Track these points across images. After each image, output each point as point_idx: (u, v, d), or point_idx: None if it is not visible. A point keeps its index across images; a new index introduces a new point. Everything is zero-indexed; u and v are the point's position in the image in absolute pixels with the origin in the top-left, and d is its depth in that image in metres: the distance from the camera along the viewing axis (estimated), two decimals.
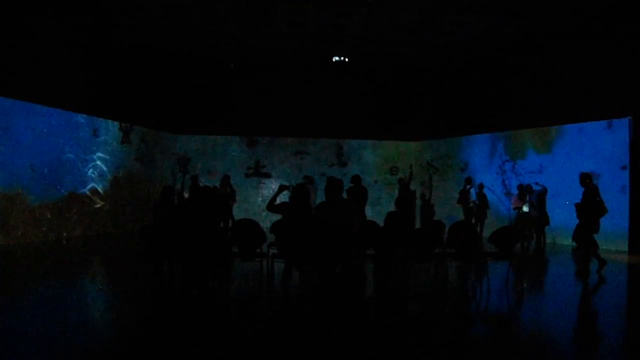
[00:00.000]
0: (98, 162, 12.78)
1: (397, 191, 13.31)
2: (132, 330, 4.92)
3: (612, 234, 11.17)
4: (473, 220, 11.96)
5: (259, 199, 15.95)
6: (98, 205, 12.74)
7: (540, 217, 11.26)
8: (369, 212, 12.88)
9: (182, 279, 6.44)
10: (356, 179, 10.13)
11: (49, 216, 11.15)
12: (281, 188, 5.93)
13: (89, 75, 12.33)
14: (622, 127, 11.20)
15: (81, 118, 12.22)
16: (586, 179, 7.86)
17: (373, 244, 6.66)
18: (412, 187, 13.50)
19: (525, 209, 11.09)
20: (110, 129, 13.30)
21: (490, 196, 13.12)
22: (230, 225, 10.36)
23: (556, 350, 4.52)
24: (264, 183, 16.44)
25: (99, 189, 12.80)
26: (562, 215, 11.49)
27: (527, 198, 11.24)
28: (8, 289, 6.51)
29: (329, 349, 4.31)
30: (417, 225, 11.20)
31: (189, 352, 4.10)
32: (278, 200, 5.88)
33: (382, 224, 6.74)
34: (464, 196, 12.64)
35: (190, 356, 4.04)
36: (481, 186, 12.62)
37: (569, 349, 4.58)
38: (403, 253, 6.55)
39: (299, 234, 5.67)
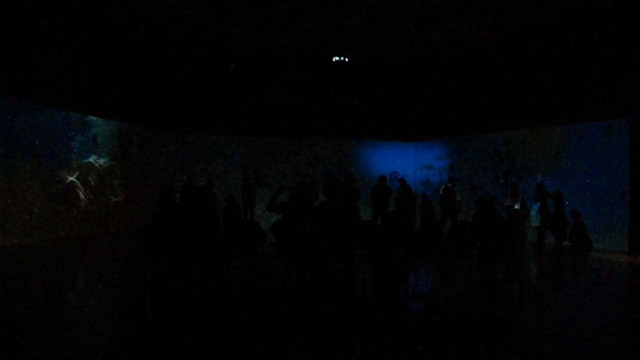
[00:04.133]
0: (97, 163, 12.80)
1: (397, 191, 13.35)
2: (132, 329, 4.93)
3: (612, 234, 11.21)
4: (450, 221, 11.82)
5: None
6: (97, 206, 12.77)
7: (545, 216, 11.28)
8: (368, 213, 12.95)
9: (182, 279, 6.45)
10: (350, 180, 10.18)
11: (48, 216, 11.17)
12: (281, 188, 5.93)
13: (89, 76, 12.35)
14: (621, 128, 11.19)
15: (80, 119, 12.24)
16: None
17: (372, 244, 6.66)
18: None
19: (517, 206, 11.06)
20: (109, 130, 13.32)
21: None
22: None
23: (554, 351, 4.53)
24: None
25: (99, 190, 12.83)
26: None
27: (520, 196, 11.22)
28: (14, 290, 6.52)
29: (328, 347, 4.32)
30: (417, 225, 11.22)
31: (189, 350, 4.11)
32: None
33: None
34: (448, 195, 12.52)
35: (190, 353, 4.05)
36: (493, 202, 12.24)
37: (567, 350, 4.58)
38: (403, 253, 6.55)
39: (298, 233, 5.67)
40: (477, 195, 11.68)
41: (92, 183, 12.58)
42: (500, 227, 6.90)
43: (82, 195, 12.22)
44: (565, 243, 11.30)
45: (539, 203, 11.27)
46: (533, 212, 11.37)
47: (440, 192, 12.79)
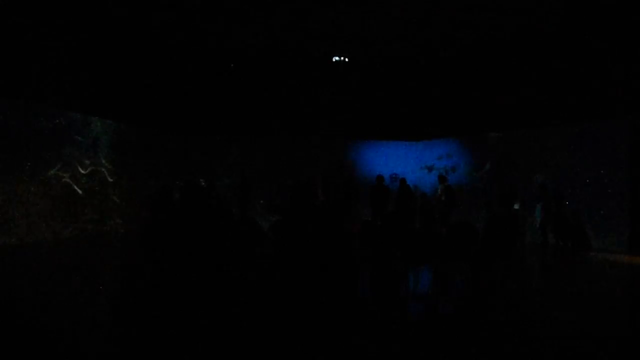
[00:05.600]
0: (97, 163, 12.82)
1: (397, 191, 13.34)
2: (131, 328, 4.94)
3: (612, 234, 11.21)
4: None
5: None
6: (97, 206, 12.78)
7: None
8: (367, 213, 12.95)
9: (181, 279, 6.45)
10: (349, 180, 10.16)
11: (47, 216, 11.18)
12: (281, 190, 5.94)
13: (89, 76, 12.36)
14: (621, 128, 11.19)
15: (80, 119, 12.26)
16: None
17: (372, 244, 6.66)
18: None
19: (517, 206, 11.05)
20: (109, 130, 13.33)
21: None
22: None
23: (554, 351, 4.53)
24: None
25: (99, 190, 12.84)
26: None
27: (520, 197, 11.20)
28: (18, 290, 6.53)
29: (326, 347, 4.33)
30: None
31: (189, 349, 4.12)
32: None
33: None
34: (448, 195, 12.52)
35: (189, 352, 4.06)
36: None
37: (567, 350, 4.59)
38: (402, 253, 6.56)
39: (298, 233, 5.67)
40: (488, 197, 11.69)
41: (92, 183, 12.59)
42: (515, 229, 6.90)
43: (81, 196, 12.23)
44: (564, 243, 11.30)
45: (541, 203, 11.25)
46: (537, 213, 11.34)
47: (439, 194, 12.76)
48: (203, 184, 12.89)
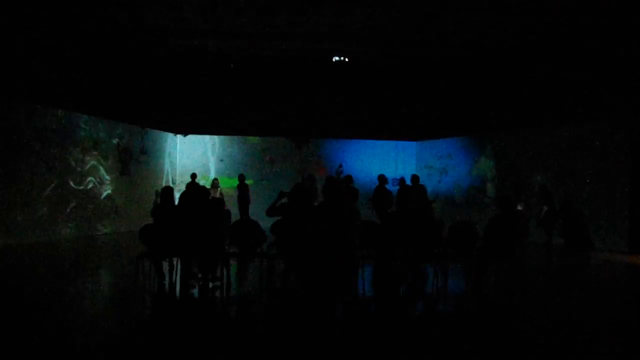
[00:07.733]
0: (97, 163, 12.81)
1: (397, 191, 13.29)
2: (131, 330, 4.93)
3: (612, 234, 11.20)
4: None
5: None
6: (96, 206, 12.77)
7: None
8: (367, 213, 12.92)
9: (182, 279, 6.45)
10: (348, 180, 10.16)
11: (48, 217, 11.18)
12: (281, 194, 5.94)
13: (89, 76, 12.36)
14: (621, 129, 11.18)
15: (80, 119, 12.25)
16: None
17: (372, 244, 6.66)
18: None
19: (520, 207, 11.01)
20: (109, 131, 13.32)
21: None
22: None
23: (554, 351, 4.53)
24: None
25: (98, 190, 12.83)
26: None
27: (523, 197, 11.15)
28: (13, 290, 6.53)
29: (326, 348, 4.32)
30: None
31: (188, 353, 4.11)
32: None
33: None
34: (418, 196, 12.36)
35: (189, 356, 4.05)
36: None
37: (567, 350, 4.58)
38: (402, 253, 6.55)
39: (298, 234, 5.67)
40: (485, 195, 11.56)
41: (92, 183, 12.59)
42: (516, 231, 6.86)
43: (82, 196, 12.22)
44: (568, 243, 11.25)
45: (547, 203, 11.18)
46: (542, 213, 11.25)
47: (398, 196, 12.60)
48: (204, 183, 12.90)
